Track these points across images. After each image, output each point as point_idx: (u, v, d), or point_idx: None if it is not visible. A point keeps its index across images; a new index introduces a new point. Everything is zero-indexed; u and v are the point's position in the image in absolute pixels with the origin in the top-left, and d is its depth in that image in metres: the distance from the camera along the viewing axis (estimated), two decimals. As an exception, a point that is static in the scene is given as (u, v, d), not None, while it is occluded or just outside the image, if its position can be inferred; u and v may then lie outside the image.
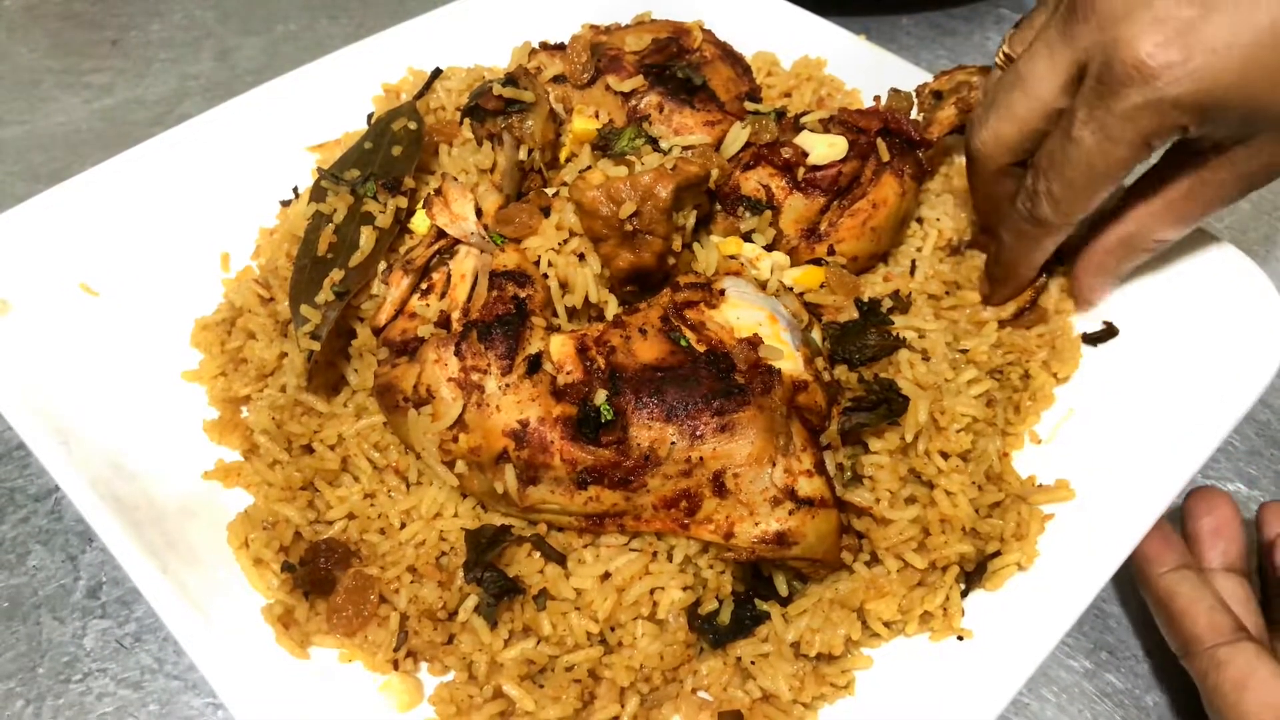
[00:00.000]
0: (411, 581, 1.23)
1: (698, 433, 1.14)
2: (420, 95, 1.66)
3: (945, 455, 1.29)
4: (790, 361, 1.20)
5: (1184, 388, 1.36)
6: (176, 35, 2.53)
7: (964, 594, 1.25)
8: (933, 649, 1.21)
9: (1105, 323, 1.47)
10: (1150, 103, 1.11)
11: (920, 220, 1.58)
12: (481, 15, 1.93)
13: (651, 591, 1.19)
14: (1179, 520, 1.42)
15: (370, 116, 1.71)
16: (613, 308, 1.31)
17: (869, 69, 1.83)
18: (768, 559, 1.17)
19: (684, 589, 1.19)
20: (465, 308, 1.27)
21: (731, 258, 1.36)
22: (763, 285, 1.33)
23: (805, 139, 1.42)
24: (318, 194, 1.46)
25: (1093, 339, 1.48)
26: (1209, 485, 1.39)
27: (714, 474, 1.14)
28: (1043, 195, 1.28)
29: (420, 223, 1.39)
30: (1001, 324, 1.47)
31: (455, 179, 1.38)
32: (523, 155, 1.43)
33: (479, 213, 1.34)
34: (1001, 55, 1.40)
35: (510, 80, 1.43)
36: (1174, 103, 1.10)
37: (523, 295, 1.25)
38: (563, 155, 1.48)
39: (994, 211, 1.44)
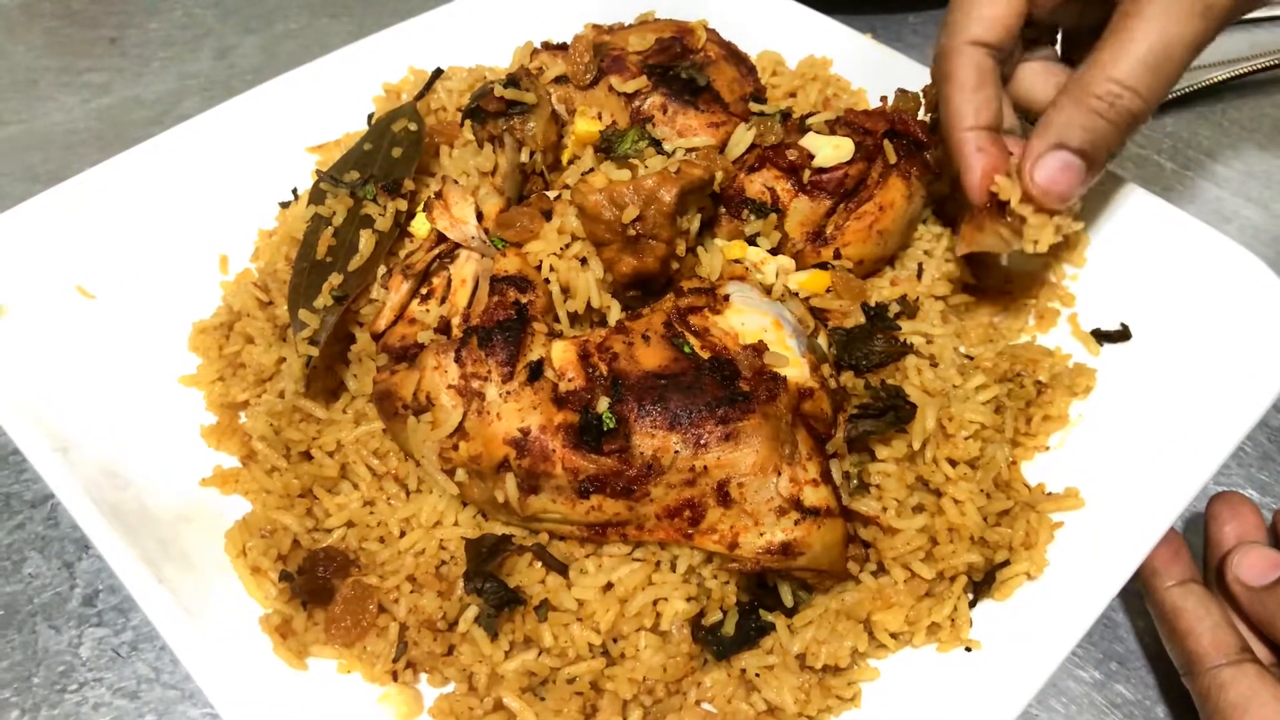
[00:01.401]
0: (411, 591, 1.21)
1: (701, 441, 1.12)
2: (421, 96, 1.64)
3: (953, 463, 1.27)
4: (795, 368, 1.18)
5: (1196, 394, 1.35)
6: (175, 34, 2.51)
7: (972, 604, 1.23)
8: (940, 660, 1.19)
9: (1121, 324, 1.45)
10: None
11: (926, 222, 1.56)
12: (483, 15, 1.91)
13: (655, 602, 1.18)
14: (1195, 526, 1.41)
15: (370, 117, 1.70)
16: (615, 313, 1.30)
17: (875, 68, 1.81)
18: (773, 569, 1.15)
19: (688, 600, 1.17)
20: (465, 313, 1.25)
21: (736, 262, 1.34)
22: (768, 290, 1.31)
23: (811, 140, 1.40)
24: (316, 196, 1.44)
25: (1105, 337, 1.45)
26: (1232, 490, 1.37)
27: (718, 483, 1.12)
28: (940, 27, 1.27)
29: (420, 226, 1.38)
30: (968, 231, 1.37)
31: (456, 181, 1.37)
32: (524, 157, 1.41)
33: (480, 216, 1.32)
34: None
35: (512, 81, 1.41)
36: None
37: (524, 300, 1.23)
38: (565, 157, 1.46)
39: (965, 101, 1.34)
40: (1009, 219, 1.31)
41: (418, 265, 1.30)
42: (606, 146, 1.40)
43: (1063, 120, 1.22)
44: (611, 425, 1.12)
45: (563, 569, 1.19)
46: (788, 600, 1.19)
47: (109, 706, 1.32)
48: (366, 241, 1.35)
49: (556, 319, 1.28)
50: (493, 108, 1.41)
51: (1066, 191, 1.25)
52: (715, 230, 1.39)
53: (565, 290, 1.29)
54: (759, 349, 1.18)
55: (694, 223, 1.30)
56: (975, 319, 1.49)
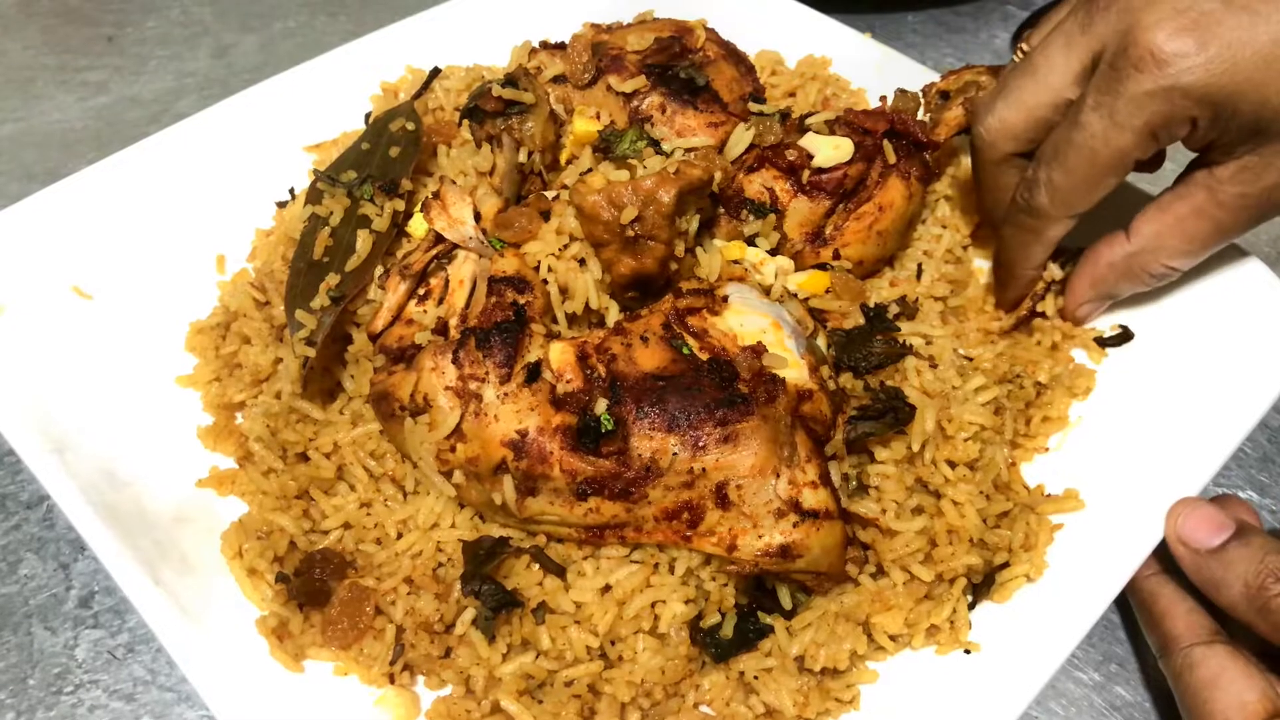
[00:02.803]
0: (408, 593, 1.21)
1: (700, 443, 1.11)
2: (418, 95, 1.63)
3: (952, 464, 1.27)
4: (794, 370, 1.18)
5: (1195, 395, 1.34)
6: (173, 32, 2.50)
7: (971, 606, 1.23)
8: (939, 663, 1.19)
9: (1120, 327, 1.45)
10: (1161, 89, 1.11)
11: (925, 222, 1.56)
12: (481, 14, 1.91)
13: (653, 605, 1.17)
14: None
15: (368, 116, 1.69)
16: (613, 314, 1.29)
17: (875, 68, 1.80)
18: (771, 572, 1.15)
19: (686, 602, 1.17)
20: (463, 314, 1.25)
21: (735, 262, 1.33)
22: (766, 291, 1.31)
23: (810, 141, 1.40)
24: (314, 196, 1.44)
25: (1106, 342, 1.45)
26: (1229, 494, 1.36)
27: (717, 485, 1.12)
28: (1042, 184, 1.26)
29: (418, 226, 1.37)
30: (1003, 334, 1.45)
31: (453, 182, 1.36)
32: (522, 157, 1.41)
33: (478, 216, 1.31)
34: (1019, 52, 1.38)
35: (510, 81, 1.41)
36: (1184, 91, 1.10)
37: (522, 301, 1.23)
38: (563, 157, 1.46)
39: (996, 206, 1.42)
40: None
41: (415, 266, 1.30)
42: (605, 146, 1.39)
43: (1112, 280, 1.38)
44: (610, 427, 1.12)
45: (560, 571, 1.19)
46: (786, 602, 1.19)
47: (105, 709, 1.32)
48: (364, 242, 1.35)
49: (554, 320, 1.28)
50: (491, 107, 1.40)
51: (1092, 320, 1.48)
52: (714, 231, 1.39)
53: (563, 291, 1.29)
54: (758, 350, 1.17)
55: (693, 223, 1.30)
56: (976, 322, 1.49)
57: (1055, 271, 1.45)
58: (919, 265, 1.49)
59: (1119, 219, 1.36)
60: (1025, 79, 1.26)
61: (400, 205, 1.39)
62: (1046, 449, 1.39)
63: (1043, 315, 1.47)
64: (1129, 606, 1.44)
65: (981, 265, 1.57)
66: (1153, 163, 1.40)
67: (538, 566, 1.19)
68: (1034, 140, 1.29)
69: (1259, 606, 1.11)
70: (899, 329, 1.34)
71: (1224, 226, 1.26)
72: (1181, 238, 1.29)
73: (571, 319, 1.29)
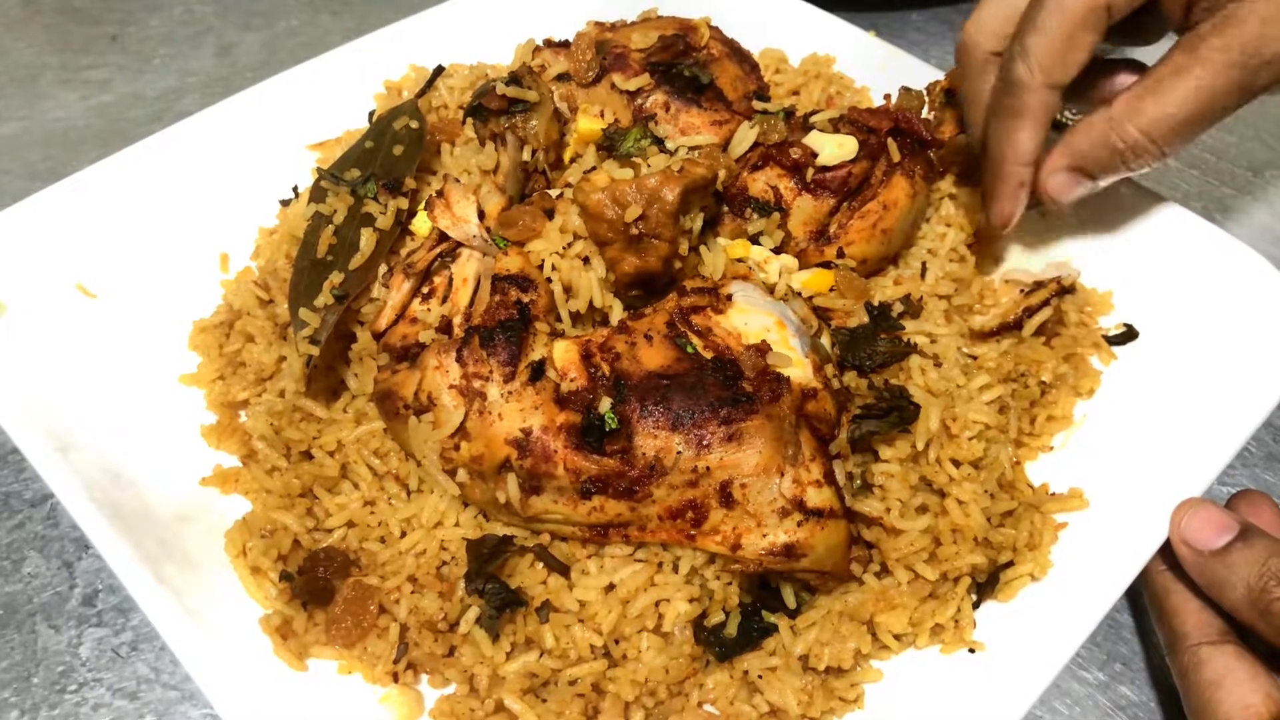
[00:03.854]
0: (412, 592, 1.21)
1: (704, 442, 1.11)
2: (422, 93, 1.63)
3: (957, 463, 1.27)
4: (799, 368, 1.18)
5: (1201, 394, 1.34)
6: (176, 31, 2.50)
7: (976, 605, 1.23)
8: (944, 662, 1.19)
9: (1125, 325, 1.44)
10: None
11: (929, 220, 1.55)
12: (485, 12, 1.91)
13: (657, 603, 1.17)
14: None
15: (371, 114, 1.69)
16: (617, 313, 1.29)
17: (879, 66, 1.80)
18: (775, 571, 1.15)
19: (690, 601, 1.17)
20: (467, 312, 1.25)
21: (739, 261, 1.33)
22: (771, 289, 1.31)
23: (814, 139, 1.39)
24: (317, 194, 1.43)
25: (1111, 340, 1.45)
26: (1253, 489, 1.35)
27: (721, 484, 1.12)
28: (1017, 55, 1.23)
29: (421, 225, 1.37)
30: (985, 336, 1.43)
31: (457, 180, 1.36)
32: (526, 156, 1.41)
33: (481, 215, 1.31)
34: None
35: (514, 79, 1.40)
36: None
37: (526, 300, 1.23)
38: (567, 156, 1.46)
39: (983, 112, 1.38)
40: None
41: (419, 264, 1.29)
42: (609, 145, 1.39)
43: (1085, 148, 1.29)
44: (614, 426, 1.12)
45: (564, 570, 1.18)
46: (790, 601, 1.19)
47: (109, 707, 1.31)
48: (367, 240, 1.35)
49: (558, 318, 1.28)
50: (494, 105, 1.40)
51: (1068, 199, 1.36)
52: (718, 229, 1.38)
53: (567, 289, 1.28)
54: (762, 349, 1.17)
55: (697, 222, 1.30)
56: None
57: (1060, 273, 1.44)
58: (923, 263, 1.49)
59: (1122, 216, 1.36)
60: None
61: (404, 203, 1.39)
62: (1051, 448, 1.38)
63: (1027, 317, 1.43)
64: (1135, 606, 1.44)
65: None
66: (1144, 30, 1.34)
67: (542, 565, 1.19)
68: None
69: (1261, 609, 1.11)
70: (903, 327, 1.34)
71: (1204, 87, 1.18)
72: (1159, 100, 1.21)
73: (575, 317, 1.29)
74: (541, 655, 1.16)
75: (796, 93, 1.80)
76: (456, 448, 1.17)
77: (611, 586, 1.17)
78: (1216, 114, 1.21)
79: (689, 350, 1.17)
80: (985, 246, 1.55)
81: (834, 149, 1.38)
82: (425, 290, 1.29)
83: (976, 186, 1.49)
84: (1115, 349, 1.46)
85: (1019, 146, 1.31)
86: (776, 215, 1.38)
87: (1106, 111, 1.27)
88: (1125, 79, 1.34)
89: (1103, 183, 1.33)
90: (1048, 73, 1.22)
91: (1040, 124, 1.28)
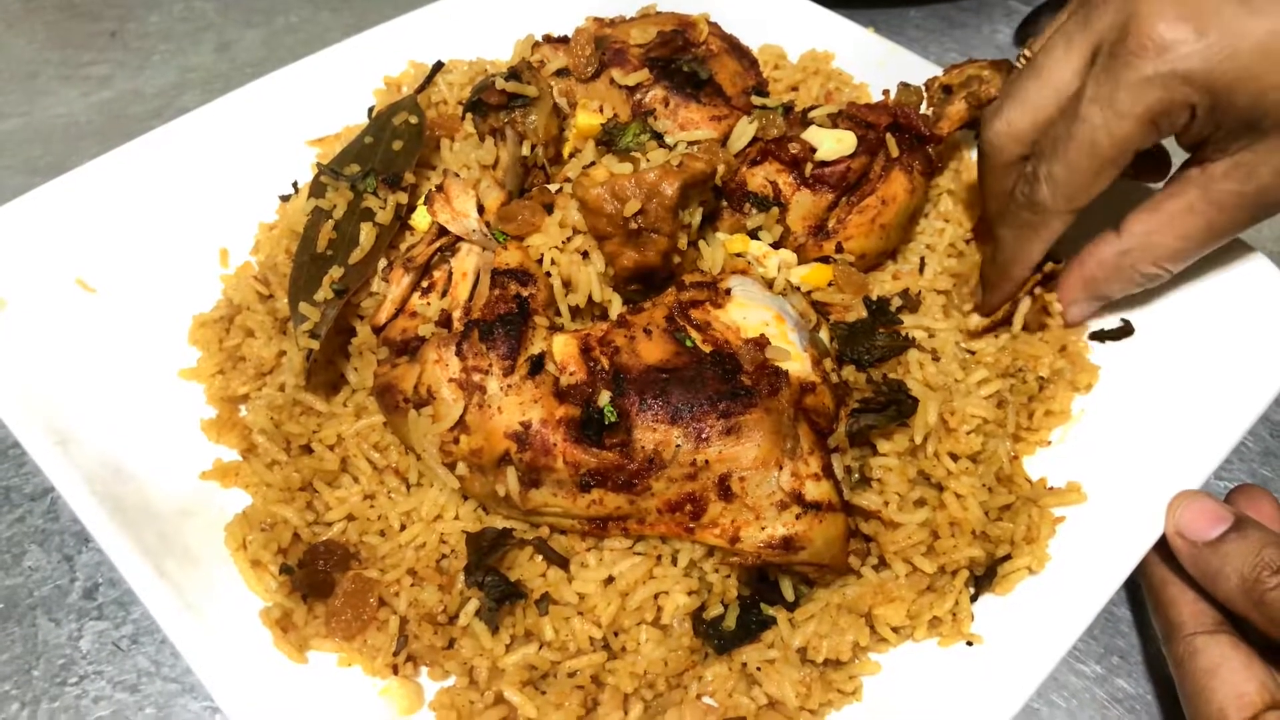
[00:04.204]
0: (412, 585, 1.21)
1: (703, 435, 1.12)
2: (422, 89, 1.63)
3: (955, 457, 1.27)
4: (797, 362, 1.18)
5: (1198, 389, 1.34)
6: (176, 27, 2.51)
7: (974, 598, 1.23)
8: (942, 655, 1.19)
9: (1122, 320, 1.45)
10: (1160, 75, 1.11)
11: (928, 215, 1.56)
12: (484, 7, 1.91)
13: (656, 596, 1.17)
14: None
15: (371, 110, 1.69)
16: (616, 307, 1.29)
17: (877, 62, 1.80)
18: (774, 563, 1.15)
19: (689, 594, 1.17)
20: (467, 306, 1.25)
21: (738, 255, 1.34)
22: (769, 284, 1.31)
23: (813, 134, 1.40)
24: (317, 189, 1.44)
25: (1107, 336, 1.45)
26: (1251, 484, 1.36)
27: (719, 477, 1.12)
28: (1043, 179, 1.26)
29: (421, 219, 1.37)
30: (973, 335, 1.44)
31: (457, 175, 1.37)
32: (525, 151, 1.41)
33: (481, 209, 1.32)
34: (1023, 59, 1.39)
35: (513, 74, 1.41)
36: (1184, 76, 1.10)
37: (525, 294, 1.23)
38: (566, 151, 1.46)
39: (1003, 210, 1.40)
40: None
41: (419, 258, 1.30)
42: (608, 140, 1.39)
43: (1103, 279, 1.37)
44: (613, 419, 1.12)
45: (564, 563, 1.19)
46: (789, 594, 1.19)
47: (109, 700, 1.32)
48: (367, 235, 1.35)
49: (558, 312, 1.28)
50: (494, 101, 1.40)
51: (1083, 320, 1.46)
52: (717, 224, 1.39)
53: (567, 284, 1.29)
54: (761, 343, 1.17)
55: (696, 216, 1.30)
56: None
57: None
58: (921, 259, 1.49)
59: (1120, 211, 1.36)
60: (1029, 81, 1.27)
61: (403, 198, 1.39)
62: (1049, 442, 1.39)
63: (1012, 309, 1.44)
64: (1133, 600, 1.44)
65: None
66: (1158, 169, 1.40)
67: (541, 558, 1.19)
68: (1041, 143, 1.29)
69: (1255, 599, 1.12)
70: (901, 322, 1.35)
71: (1216, 225, 1.26)
72: (1173, 236, 1.29)
73: (575, 312, 1.29)
74: (541, 647, 1.16)
75: (795, 88, 1.80)
76: (456, 441, 1.17)
77: (611, 579, 1.18)
78: (1220, 242, 1.31)
79: (688, 344, 1.18)
80: (983, 244, 1.56)
81: (833, 144, 1.38)
82: (425, 284, 1.29)
83: (973, 183, 1.49)
84: (1114, 345, 1.46)
85: (1031, 258, 1.37)
86: (775, 210, 1.38)
87: (1118, 244, 1.33)
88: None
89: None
90: (1069, 201, 1.26)
91: (1052, 240, 1.34)
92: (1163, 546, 1.22)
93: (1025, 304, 1.42)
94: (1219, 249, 1.42)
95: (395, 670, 1.18)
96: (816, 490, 1.13)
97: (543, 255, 1.29)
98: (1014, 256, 1.38)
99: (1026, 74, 1.28)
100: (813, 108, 1.46)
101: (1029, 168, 1.29)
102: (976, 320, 1.44)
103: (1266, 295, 1.39)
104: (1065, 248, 1.37)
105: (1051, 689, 1.36)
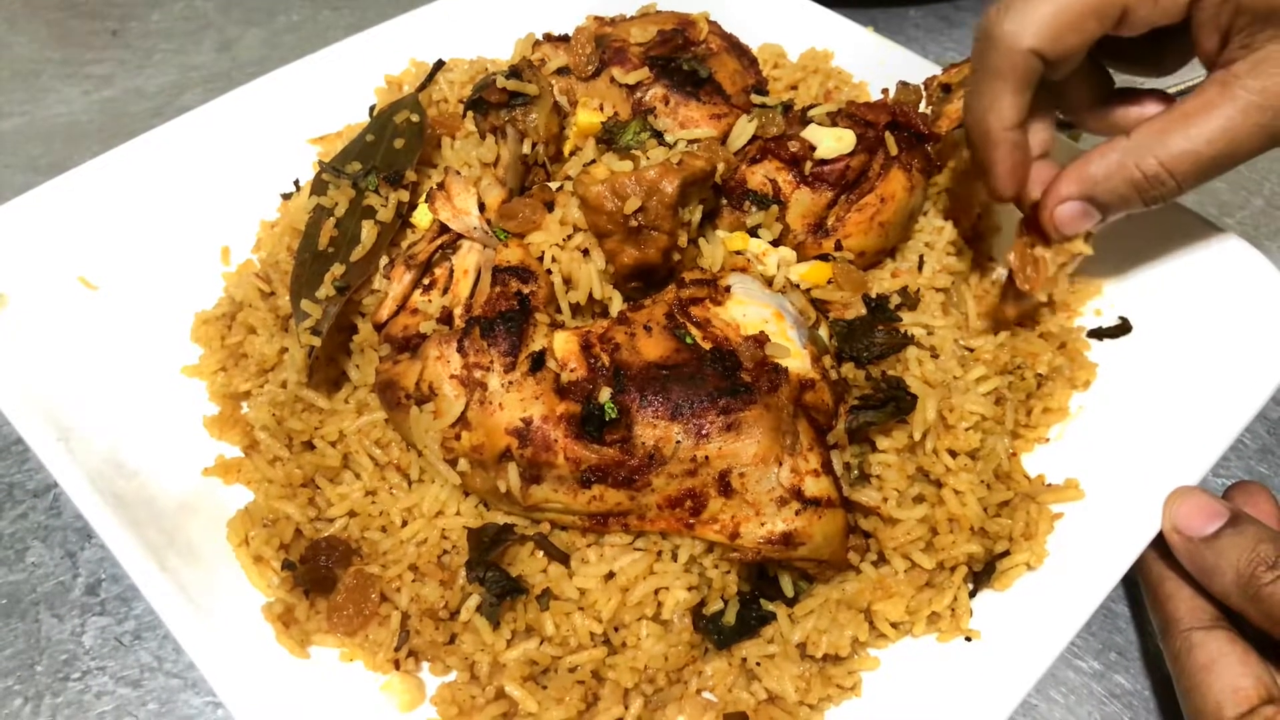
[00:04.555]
0: (413, 580, 1.22)
1: (703, 431, 1.12)
2: (423, 87, 1.64)
3: (954, 454, 1.27)
4: (797, 359, 1.19)
5: (1195, 385, 1.34)
6: (177, 26, 2.51)
7: (972, 594, 1.23)
8: (940, 650, 1.20)
9: (1121, 319, 1.45)
10: None
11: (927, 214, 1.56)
12: (485, 6, 1.91)
13: (656, 592, 1.18)
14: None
15: (372, 109, 1.70)
16: (617, 304, 1.30)
17: (877, 61, 1.80)
18: (774, 559, 1.16)
19: (689, 589, 1.18)
20: (468, 304, 1.26)
21: (737, 253, 1.34)
22: (769, 281, 1.32)
23: (812, 132, 1.40)
24: (319, 187, 1.44)
25: (1106, 334, 1.46)
26: (1249, 481, 1.36)
27: (719, 473, 1.13)
28: (1006, 9, 1.15)
29: (422, 217, 1.38)
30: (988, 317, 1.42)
31: (458, 173, 1.37)
32: (526, 149, 1.41)
33: (482, 207, 1.32)
34: None
35: (514, 72, 1.41)
36: None
37: (526, 291, 1.24)
38: (567, 149, 1.47)
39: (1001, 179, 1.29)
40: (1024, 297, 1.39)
41: (420, 256, 1.30)
42: (608, 138, 1.40)
43: (1100, 176, 1.23)
44: (613, 415, 1.13)
45: (564, 558, 1.19)
46: (788, 590, 1.20)
47: (111, 695, 1.33)
48: (368, 232, 1.35)
49: (558, 310, 1.29)
50: (495, 99, 1.41)
51: (1076, 231, 1.30)
52: (717, 222, 1.39)
53: (567, 281, 1.29)
54: (760, 340, 1.18)
55: (695, 214, 1.30)
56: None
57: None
58: (920, 256, 1.49)
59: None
60: None
61: (405, 196, 1.40)
62: (1047, 439, 1.39)
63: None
64: (1130, 596, 1.45)
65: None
66: (1163, 58, 1.29)
67: (542, 554, 1.20)
68: None
69: (1251, 594, 1.12)
70: (900, 319, 1.35)
71: (1232, 127, 1.14)
72: (1185, 134, 1.16)
73: (575, 309, 1.30)
74: (542, 643, 1.17)
75: (795, 87, 1.80)
76: (457, 437, 1.18)
77: (611, 575, 1.18)
78: (1240, 156, 1.17)
79: (688, 341, 1.18)
80: (980, 244, 1.56)
81: (832, 143, 1.39)
82: (426, 282, 1.30)
83: (973, 180, 1.50)
84: (1112, 342, 1.46)
85: (1003, 112, 1.23)
86: (775, 208, 1.39)
87: (1124, 141, 1.22)
88: (1149, 109, 1.28)
89: (1111, 218, 1.28)
90: (1037, 38, 1.15)
91: (1020, 91, 1.21)
92: (1161, 543, 1.23)
93: (1019, 247, 1.36)
94: (1217, 249, 1.43)
95: (397, 665, 1.19)
96: (816, 486, 1.14)
97: (543, 253, 1.29)
98: (986, 118, 1.24)
99: None
100: (812, 106, 1.46)
101: (994, 6, 1.18)
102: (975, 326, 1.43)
103: (1265, 294, 1.39)
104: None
105: (1050, 685, 1.36)
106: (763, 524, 1.13)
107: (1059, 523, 1.27)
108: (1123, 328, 1.45)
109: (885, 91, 1.59)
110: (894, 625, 1.21)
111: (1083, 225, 1.29)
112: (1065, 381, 1.41)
